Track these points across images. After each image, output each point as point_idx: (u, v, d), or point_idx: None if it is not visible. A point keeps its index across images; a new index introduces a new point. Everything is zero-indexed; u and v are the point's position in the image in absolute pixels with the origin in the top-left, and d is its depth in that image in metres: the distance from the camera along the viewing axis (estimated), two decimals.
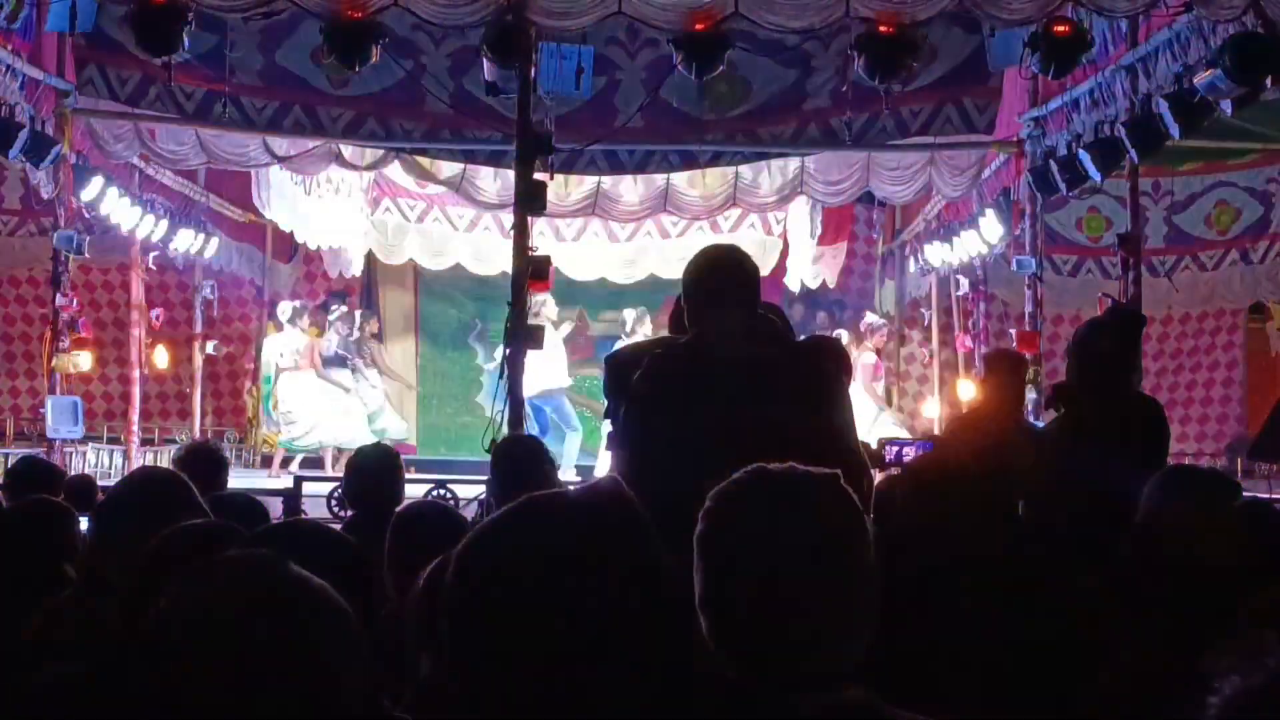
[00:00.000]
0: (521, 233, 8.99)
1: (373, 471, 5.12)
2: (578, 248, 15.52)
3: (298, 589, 1.60)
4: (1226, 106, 8.71)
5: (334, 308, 15.12)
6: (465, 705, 1.64)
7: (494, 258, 14.58)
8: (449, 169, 13.77)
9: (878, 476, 4.61)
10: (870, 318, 14.87)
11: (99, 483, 7.09)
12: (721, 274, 3.88)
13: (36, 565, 3.54)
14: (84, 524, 3.79)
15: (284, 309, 14.76)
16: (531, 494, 1.71)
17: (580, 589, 1.59)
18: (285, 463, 14.28)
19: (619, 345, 14.58)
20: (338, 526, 4.20)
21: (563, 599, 1.59)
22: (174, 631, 1.56)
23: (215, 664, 1.52)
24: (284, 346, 14.53)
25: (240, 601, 1.57)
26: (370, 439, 13.84)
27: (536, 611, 1.58)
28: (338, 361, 14.57)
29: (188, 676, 1.52)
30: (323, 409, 14.30)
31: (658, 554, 1.66)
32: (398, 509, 4.28)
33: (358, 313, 15.34)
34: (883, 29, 9.38)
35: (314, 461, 14.31)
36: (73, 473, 9.60)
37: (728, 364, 3.71)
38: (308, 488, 10.67)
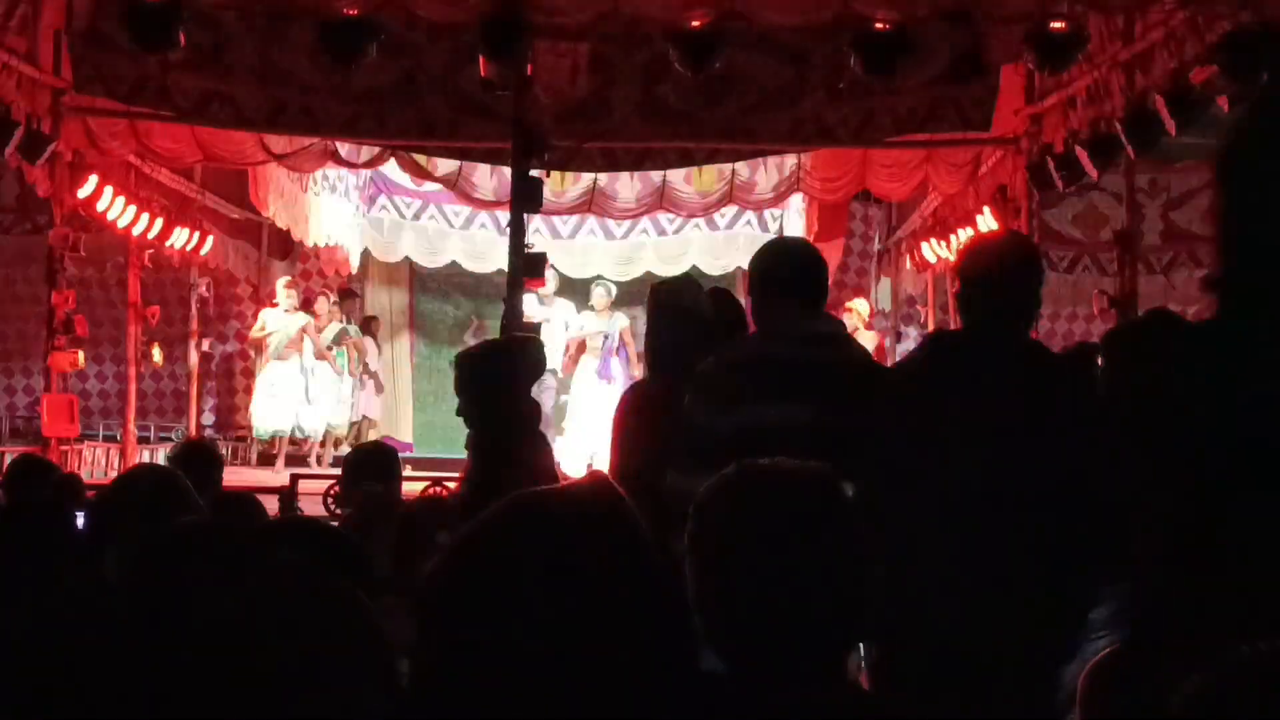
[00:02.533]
0: (517, 230, 8.98)
1: (370, 469, 5.13)
2: (574, 245, 15.51)
3: (333, 596, 1.60)
4: (1223, 103, 8.72)
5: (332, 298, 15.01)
6: (459, 705, 1.63)
7: (490, 255, 14.57)
8: (445, 166, 13.75)
9: None
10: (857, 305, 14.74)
11: (96, 481, 7.08)
12: (791, 269, 3.72)
13: (27, 562, 3.53)
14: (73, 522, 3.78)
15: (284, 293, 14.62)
16: (519, 493, 1.70)
17: (570, 589, 1.59)
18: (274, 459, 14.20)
19: (583, 320, 14.56)
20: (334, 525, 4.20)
21: (553, 599, 1.58)
22: (212, 636, 1.56)
23: (252, 668, 1.52)
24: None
25: (281, 608, 1.57)
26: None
27: (527, 613, 1.58)
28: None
29: (223, 679, 1.52)
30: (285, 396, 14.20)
31: (649, 551, 1.66)
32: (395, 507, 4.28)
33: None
34: (879, 25, 9.38)
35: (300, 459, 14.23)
36: (68, 471, 9.59)
37: (793, 366, 3.56)
38: (304, 485, 10.65)
